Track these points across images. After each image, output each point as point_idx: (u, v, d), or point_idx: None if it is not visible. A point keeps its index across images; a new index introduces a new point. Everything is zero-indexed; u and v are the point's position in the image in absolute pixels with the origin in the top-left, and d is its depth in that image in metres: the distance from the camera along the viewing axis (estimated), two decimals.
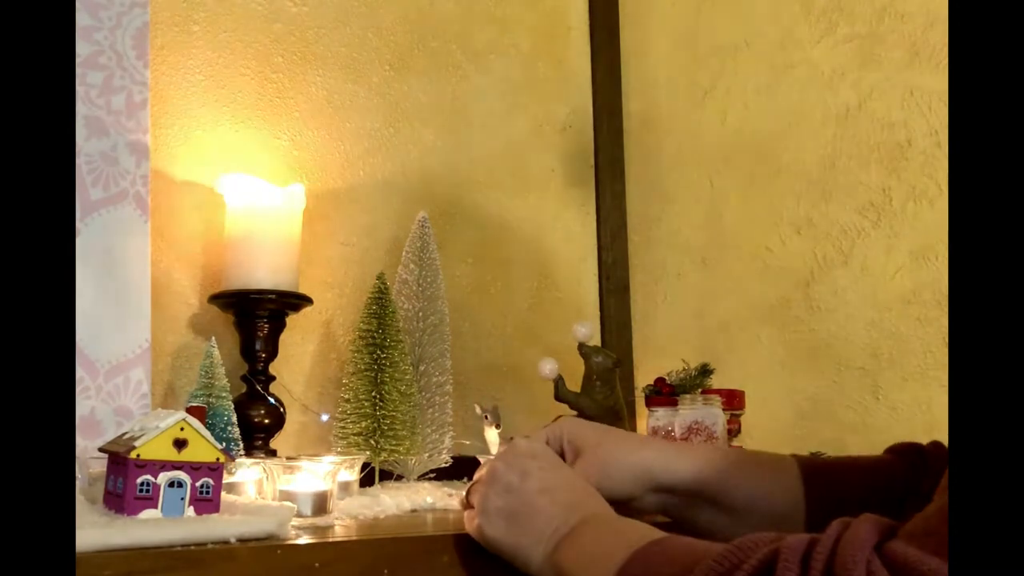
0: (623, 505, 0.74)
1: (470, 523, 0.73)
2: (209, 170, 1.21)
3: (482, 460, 1.08)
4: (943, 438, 0.73)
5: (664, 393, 1.15)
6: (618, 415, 1.23)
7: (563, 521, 0.65)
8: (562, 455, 0.78)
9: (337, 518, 0.84)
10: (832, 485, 0.73)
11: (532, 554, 0.66)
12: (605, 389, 1.22)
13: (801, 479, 0.73)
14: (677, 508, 0.76)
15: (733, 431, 1.15)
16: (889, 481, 0.72)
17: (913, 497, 0.68)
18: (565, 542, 0.64)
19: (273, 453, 1.12)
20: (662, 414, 1.14)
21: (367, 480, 1.05)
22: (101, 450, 0.74)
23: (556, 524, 0.65)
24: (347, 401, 1.09)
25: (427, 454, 1.16)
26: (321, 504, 0.82)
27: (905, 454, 0.74)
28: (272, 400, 1.12)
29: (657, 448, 0.76)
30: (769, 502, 0.73)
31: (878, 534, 0.45)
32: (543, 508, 0.67)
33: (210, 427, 0.91)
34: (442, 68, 1.47)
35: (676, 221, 1.60)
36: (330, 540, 0.72)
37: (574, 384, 1.23)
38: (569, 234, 1.58)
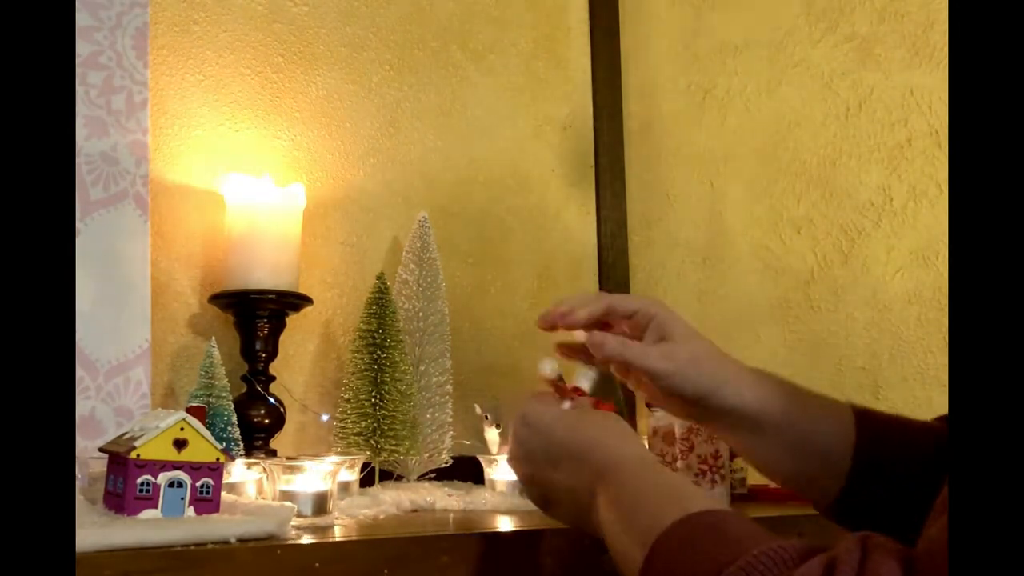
0: (675, 397, 0.74)
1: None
2: (209, 170, 1.21)
3: (482, 460, 1.09)
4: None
5: None
6: (618, 415, 1.23)
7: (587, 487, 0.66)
8: (637, 336, 0.76)
9: (337, 518, 0.84)
10: (882, 440, 0.72)
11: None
12: (605, 389, 1.22)
13: (855, 427, 0.73)
14: (726, 425, 0.75)
15: None
16: (935, 446, 0.72)
17: None
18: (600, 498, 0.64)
19: (273, 453, 1.12)
20: (662, 414, 1.13)
21: (367, 480, 1.05)
22: (101, 450, 0.74)
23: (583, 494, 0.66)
24: (347, 401, 1.09)
25: (427, 454, 1.16)
26: (321, 504, 0.82)
27: None
28: (272, 400, 1.12)
29: (735, 370, 0.75)
30: (819, 444, 0.73)
31: (900, 570, 0.45)
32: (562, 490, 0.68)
33: (210, 427, 0.91)
34: (442, 68, 1.47)
35: (676, 221, 1.60)
36: (330, 540, 0.72)
37: None
38: (569, 234, 1.58)
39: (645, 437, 1.20)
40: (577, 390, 0.77)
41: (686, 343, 0.74)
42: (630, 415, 1.40)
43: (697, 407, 0.74)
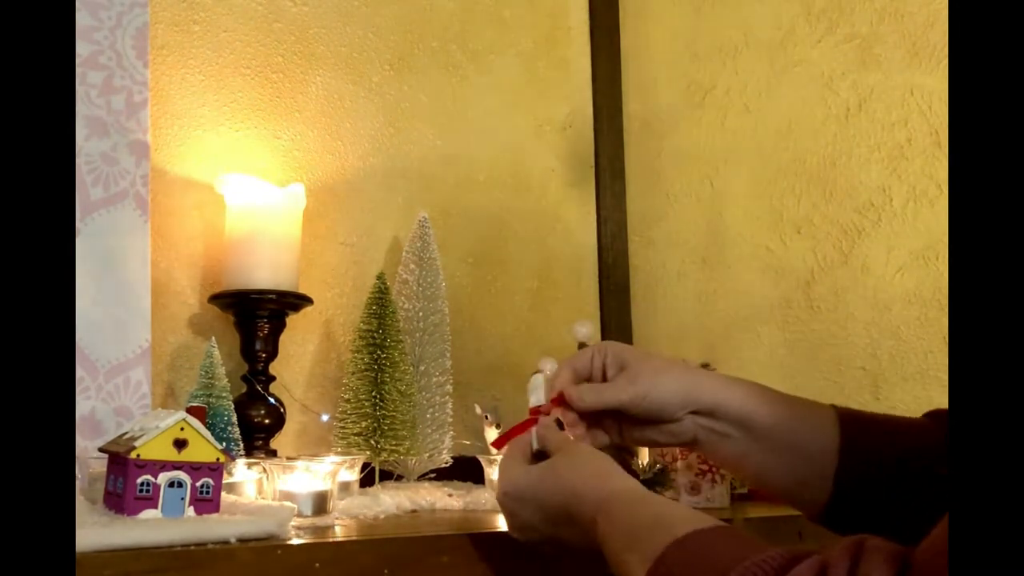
0: (661, 425, 0.74)
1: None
2: (209, 170, 1.21)
3: (482, 460, 1.09)
4: None
5: None
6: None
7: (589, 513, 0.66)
8: (603, 376, 0.77)
9: (337, 518, 0.84)
10: (867, 439, 0.72)
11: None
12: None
13: (838, 427, 0.73)
14: (713, 435, 0.75)
15: None
16: (923, 444, 0.71)
17: (943, 462, 0.67)
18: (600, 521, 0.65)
19: (273, 453, 1.12)
20: None
21: (367, 480, 1.05)
22: (101, 450, 0.74)
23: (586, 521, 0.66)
24: (347, 401, 1.09)
25: (427, 454, 1.16)
26: (321, 504, 0.82)
27: (943, 420, 0.74)
28: (272, 400, 1.12)
29: (705, 374, 0.76)
30: (805, 444, 0.73)
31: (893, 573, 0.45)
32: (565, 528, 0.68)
33: (210, 427, 0.91)
34: (442, 68, 1.47)
35: (676, 221, 1.60)
36: (330, 540, 0.72)
37: None
38: (569, 234, 1.58)
39: None
40: (536, 410, 0.78)
41: (644, 363, 0.75)
42: None
43: (683, 424, 0.74)
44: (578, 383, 0.77)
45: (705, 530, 0.56)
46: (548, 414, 0.77)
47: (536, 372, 0.84)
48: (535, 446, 0.75)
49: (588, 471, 0.68)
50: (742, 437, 0.74)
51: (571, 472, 0.69)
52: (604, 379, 0.77)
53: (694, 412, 0.74)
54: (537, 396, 0.80)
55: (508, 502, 0.71)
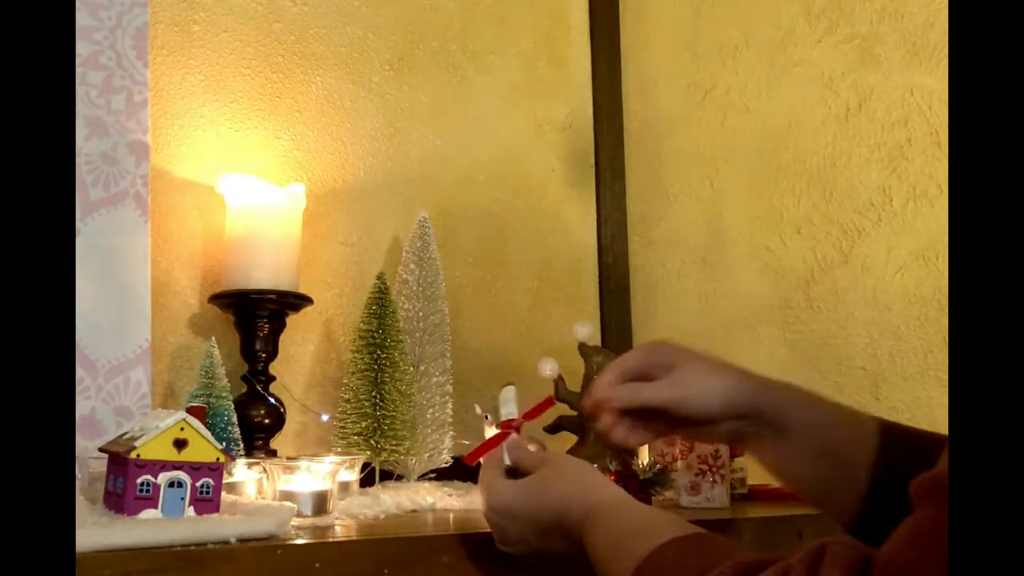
0: (700, 426, 0.75)
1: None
2: (209, 170, 1.21)
3: (482, 460, 1.08)
4: None
5: None
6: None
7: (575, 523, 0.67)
8: (647, 378, 0.77)
9: (337, 518, 0.84)
10: (906, 454, 0.71)
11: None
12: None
13: (878, 439, 0.72)
14: (751, 437, 0.76)
15: None
16: None
17: None
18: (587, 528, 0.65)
19: (273, 453, 1.12)
20: None
21: (367, 480, 1.05)
22: (101, 450, 0.74)
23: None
24: (347, 401, 1.08)
25: (427, 454, 1.16)
26: (321, 504, 0.82)
27: None
28: (272, 400, 1.12)
29: (748, 376, 0.76)
30: (841, 452, 0.73)
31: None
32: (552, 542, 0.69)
33: (210, 427, 0.91)
34: (442, 68, 1.47)
35: (676, 221, 1.60)
36: (330, 540, 0.72)
37: (574, 384, 1.23)
38: (569, 234, 1.58)
39: None
40: (508, 423, 0.79)
41: (689, 364, 0.75)
42: None
43: (721, 426, 0.75)
44: (626, 381, 0.77)
45: (684, 537, 0.58)
46: (519, 429, 0.78)
47: (506, 384, 0.84)
48: (507, 461, 0.76)
49: (574, 483, 0.69)
50: (779, 441, 0.74)
51: (558, 485, 0.70)
52: (651, 378, 0.77)
53: (735, 416, 0.74)
54: (508, 409, 0.80)
55: (496, 517, 0.72)
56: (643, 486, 1.04)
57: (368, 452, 1.05)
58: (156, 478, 0.68)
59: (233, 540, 0.66)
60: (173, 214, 1.19)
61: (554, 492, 0.69)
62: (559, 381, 1.21)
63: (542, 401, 0.85)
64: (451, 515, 0.98)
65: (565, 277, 1.56)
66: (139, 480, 0.68)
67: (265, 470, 0.86)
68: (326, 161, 1.33)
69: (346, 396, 1.09)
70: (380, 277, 1.14)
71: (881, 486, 0.71)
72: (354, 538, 0.74)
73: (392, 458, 1.09)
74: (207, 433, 0.71)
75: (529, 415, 0.83)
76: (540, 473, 0.72)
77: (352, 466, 0.96)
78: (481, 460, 0.79)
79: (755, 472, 1.24)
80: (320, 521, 0.81)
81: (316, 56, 1.34)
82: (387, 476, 1.12)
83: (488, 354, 1.44)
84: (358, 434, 1.06)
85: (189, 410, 0.72)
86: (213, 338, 1.02)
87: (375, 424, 1.06)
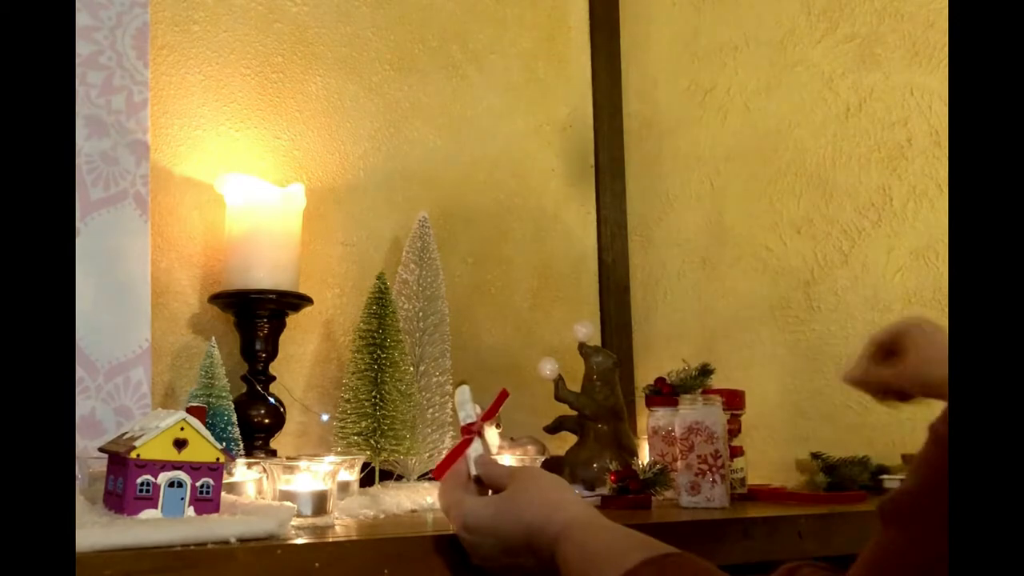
0: (933, 401, 0.81)
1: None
2: (209, 170, 1.21)
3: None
4: None
5: (664, 393, 1.15)
6: (618, 415, 1.23)
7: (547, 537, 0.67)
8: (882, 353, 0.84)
9: (337, 518, 0.84)
10: None
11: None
12: (605, 389, 1.22)
13: None
14: None
15: (733, 431, 1.15)
16: None
17: None
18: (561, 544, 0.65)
19: (273, 453, 1.12)
20: (662, 414, 1.14)
21: (367, 480, 1.05)
22: (101, 450, 0.74)
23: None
24: (347, 401, 1.08)
25: (427, 454, 1.16)
26: (321, 504, 0.82)
27: None
28: (272, 400, 1.12)
29: None
30: None
31: None
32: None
33: (210, 427, 0.91)
34: (442, 68, 1.47)
35: (676, 221, 1.60)
36: (330, 540, 0.72)
37: (574, 384, 1.23)
38: (569, 234, 1.58)
39: (645, 436, 1.20)
40: (468, 428, 0.78)
41: (932, 349, 0.81)
42: (630, 415, 1.40)
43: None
44: (880, 355, 0.84)
45: (656, 558, 0.58)
46: (480, 432, 0.77)
47: (460, 384, 0.83)
48: (473, 472, 0.76)
49: (543, 503, 0.69)
50: None
51: (529, 505, 0.69)
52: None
53: None
54: (465, 412, 0.79)
55: (468, 536, 0.72)
56: (643, 486, 1.04)
57: (368, 452, 1.05)
58: (156, 478, 0.68)
59: (233, 540, 0.66)
60: (173, 214, 1.19)
61: (523, 512, 0.69)
62: (559, 381, 1.22)
63: (497, 397, 0.85)
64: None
65: (565, 277, 1.57)
66: (139, 480, 0.68)
67: (265, 470, 0.86)
68: (326, 161, 1.33)
69: (346, 396, 1.09)
70: (380, 277, 1.14)
71: None
72: (354, 538, 0.74)
73: (392, 458, 1.09)
74: (207, 433, 0.71)
75: (487, 415, 0.82)
76: (511, 491, 0.72)
77: (352, 466, 0.96)
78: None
79: (755, 472, 1.24)
80: (320, 521, 0.81)
81: (316, 56, 1.34)
82: (387, 476, 1.12)
83: (488, 354, 1.44)
84: (358, 434, 1.06)
85: (189, 410, 0.72)
86: (213, 338, 1.02)
87: (375, 424, 1.06)
